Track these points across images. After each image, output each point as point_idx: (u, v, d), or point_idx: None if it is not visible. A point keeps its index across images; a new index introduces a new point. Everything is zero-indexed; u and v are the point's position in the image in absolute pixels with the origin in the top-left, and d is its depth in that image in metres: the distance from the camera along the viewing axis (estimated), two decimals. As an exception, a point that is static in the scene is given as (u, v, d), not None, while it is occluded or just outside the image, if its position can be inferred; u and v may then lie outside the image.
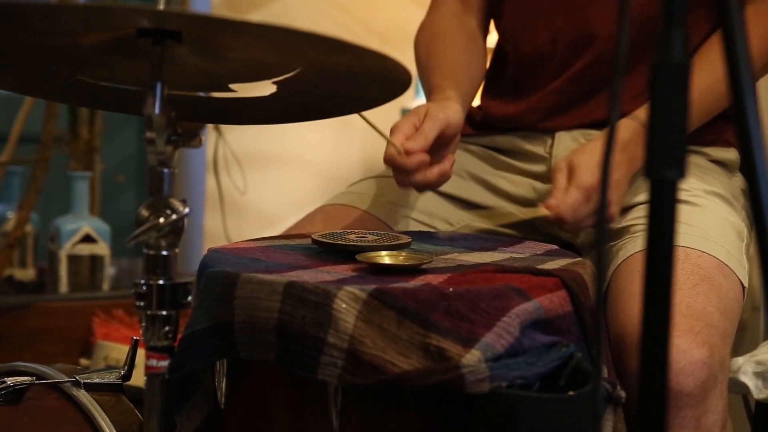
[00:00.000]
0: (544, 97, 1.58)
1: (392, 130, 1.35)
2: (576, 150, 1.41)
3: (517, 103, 1.62)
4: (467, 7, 1.68)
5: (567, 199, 1.34)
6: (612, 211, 1.37)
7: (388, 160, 1.34)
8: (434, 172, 1.35)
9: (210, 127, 2.86)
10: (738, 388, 1.52)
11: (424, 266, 1.15)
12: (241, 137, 2.97)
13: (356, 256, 1.17)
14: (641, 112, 1.43)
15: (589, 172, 1.34)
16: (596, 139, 1.43)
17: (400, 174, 1.35)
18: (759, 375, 1.50)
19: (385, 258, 1.18)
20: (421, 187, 1.38)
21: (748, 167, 0.74)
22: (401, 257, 1.18)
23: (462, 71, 1.56)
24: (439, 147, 1.36)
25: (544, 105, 1.58)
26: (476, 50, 1.64)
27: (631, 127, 1.41)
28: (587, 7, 1.53)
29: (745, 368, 1.50)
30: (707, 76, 1.34)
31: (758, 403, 1.57)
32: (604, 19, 1.51)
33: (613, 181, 1.35)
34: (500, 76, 1.69)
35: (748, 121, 0.73)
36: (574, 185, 1.34)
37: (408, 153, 1.32)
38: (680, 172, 0.75)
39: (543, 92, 1.58)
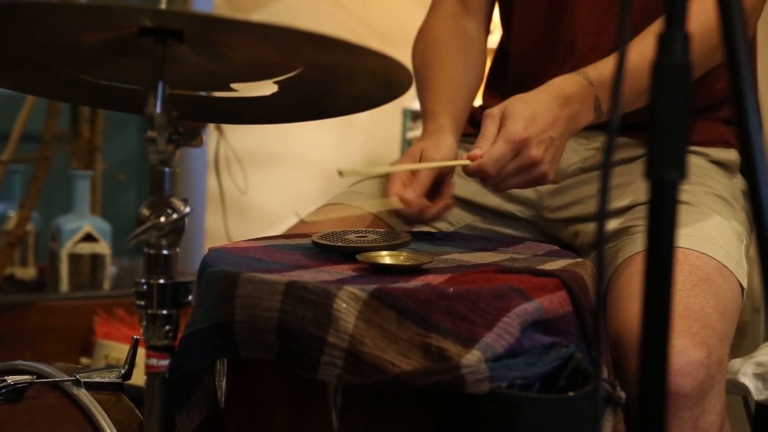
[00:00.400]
0: None
1: (389, 178, 1.34)
2: (514, 97, 1.34)
3: None
4: (467, 9, 1.65)
5: (492, 151, 1.27)
6: (544, 171, 1.30)
7: (391, 212, 1.34)
8: (436, 210, 1.34)
9: (211, 126, 2.86)
10: (738, 390, 1.52)
11: (424, 267, 1.15)
12: (242, 137, 2.98)
13: (357, 256, 1.17)
14: (591, 70, 1.37)
15: (521, 124, 1.28)
16: (541, 89, 1.35)
17: (404, 218, 1.36)
18: (759, 376, 1.50)
19: (386, 258, 1.18)
20: (427, 223, 1.39)
21: (748, 168, 0.74)
22: (402, 257, 1.18)
23: (457, 86, 1.53)
24: (437, 185, 1.36)
25: None
26: (473, 57, 1.62)
27: (576, 82, 1.36)
28: (574, 11, 1.53)
29: (745, 369, 1.50)
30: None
31: (758, 404, 1.57)
32: (587, 22, 1.52)
33: (548, 137, 1.29)
34: (502, 76, 1.69)
35: (749, 121, 0.73)
36: (503, 137, 1.27)
37: (407, 203, 1.31)
38: (681, 173, 0.75)
39: None
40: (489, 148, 1.28)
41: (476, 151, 1.28)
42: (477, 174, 1.30)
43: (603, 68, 1.37)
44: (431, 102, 1.49)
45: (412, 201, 1.32)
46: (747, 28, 0.82)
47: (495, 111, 1.31)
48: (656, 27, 1.38)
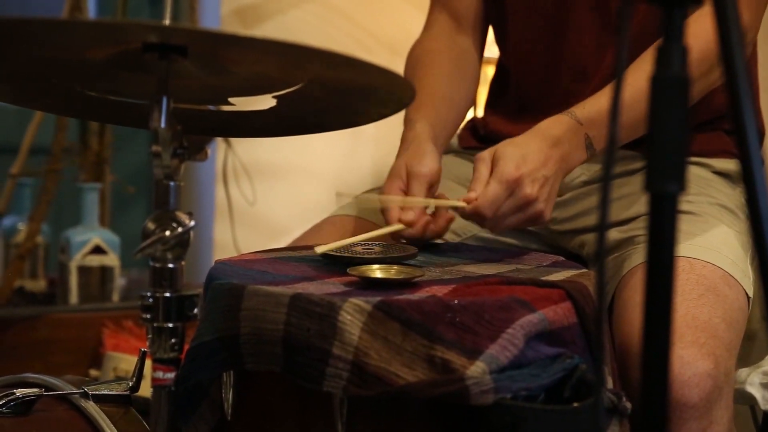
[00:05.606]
0: None
1: (384, 203, 1.34)
2: (504, 141, 1.34)
3: (521, 123, 1.60)
4: (460, 26, 1.66)
5: (487, 193, 1.28)
6: (540, 209, 1.31)
7: (397, 239, 1.33)
8: (438, 226, 1.34)
9: (220, 138, 2.87)
10: (745, 399, 1.52)
11: (415, 280, 1.15)
12: (250, 148, 2.99)
13: (348, 270, 1.17)
14: (578, 109, 1.38)
15: (513, 164, 1.28)
16: (529, 133, 1.36)
17: (410, 239, 1.35)
18: (766, 386, 1.50)
19: (377, 272, 1.17)
20: (435, 237, 1.38)
21: (746, 180, 0.74)
22: (392, 271, 1.18)
23: (441, 96, 1.52)
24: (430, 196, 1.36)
25: None
26: (464, 73, 1.62)
27: (563, 122, 1.36)
28: (578, 38, 1.54)
29: (752, 379, 1.50)
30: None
31: (765, 413, 1.57)
32: (594, 55, 1.52)
33: (541, 176, 1.30)
34: (504, 92, 1.69)
35: (748, 139, 0.73)
36: (496, 178, 1.28)
37: (409, 224, 1.31)
38: (680, 186, 0.75)
39: (548, 117, 1.56)
40: (483, 190, 1.28)
41: (471, 194, 1.29)
42: (474, 217, 1.30)
43: (590, 106, 1.37)
44: (412, 110, 1.48)
45: (413, 221, 1.31)
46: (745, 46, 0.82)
47: (485, 155, 1.31)
48: (649, 56, 1.38)
